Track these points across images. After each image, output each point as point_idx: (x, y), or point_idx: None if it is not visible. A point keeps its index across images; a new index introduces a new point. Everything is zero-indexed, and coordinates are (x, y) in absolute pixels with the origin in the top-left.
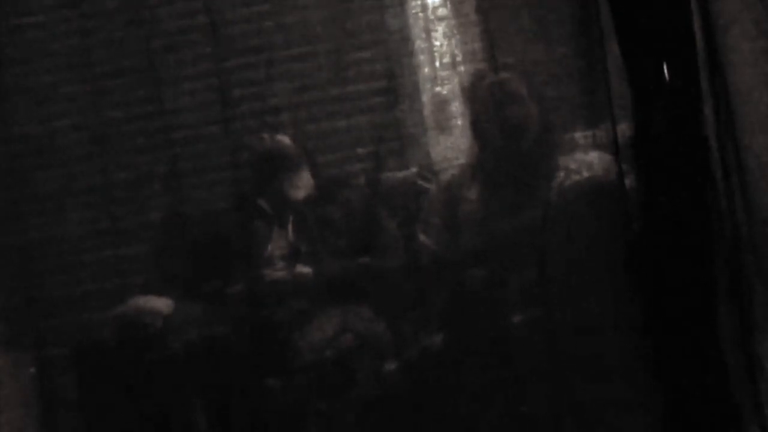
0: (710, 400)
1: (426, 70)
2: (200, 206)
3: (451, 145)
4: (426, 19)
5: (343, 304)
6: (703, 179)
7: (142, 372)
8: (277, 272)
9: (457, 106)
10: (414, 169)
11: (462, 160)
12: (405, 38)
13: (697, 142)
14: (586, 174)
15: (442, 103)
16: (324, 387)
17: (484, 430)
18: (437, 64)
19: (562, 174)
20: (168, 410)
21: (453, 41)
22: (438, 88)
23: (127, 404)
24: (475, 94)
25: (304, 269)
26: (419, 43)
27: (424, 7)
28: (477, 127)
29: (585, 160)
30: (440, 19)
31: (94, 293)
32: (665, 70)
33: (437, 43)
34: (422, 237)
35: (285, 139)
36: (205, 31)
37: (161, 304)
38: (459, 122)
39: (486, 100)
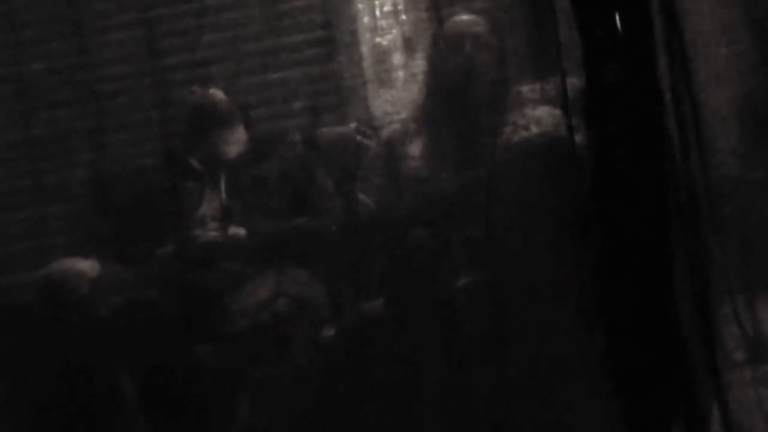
0: (665, 367)
1: (365, 19)
2: (127, 164)
3: (392, 99)
4: None
5: (278, 266)
6: (658, 135)
7: (66, 338)
8: (209, 233)
9: (398, 58)
10: (353, 125)
11: (403, 115)
12: None
13: (651, 96)
14: (534, 129)
15: (382, 54)
16: (258, 354)
17: (426, 400)
18: (377, 12)
19: (509, 129)
20: (94, 378)
21: None
22: (378, 39)
23: (51, 371)
24: (421, 42)
25: (237, 230)
26: None
27: None
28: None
29: (533, 115)
30: None
31: (15, 255)
32: (617, 19)
33: None
34: (361, 196)
35: (217, 93)
36: None
37: (86, 266)
38: (401, 74)
39: (434, 49)
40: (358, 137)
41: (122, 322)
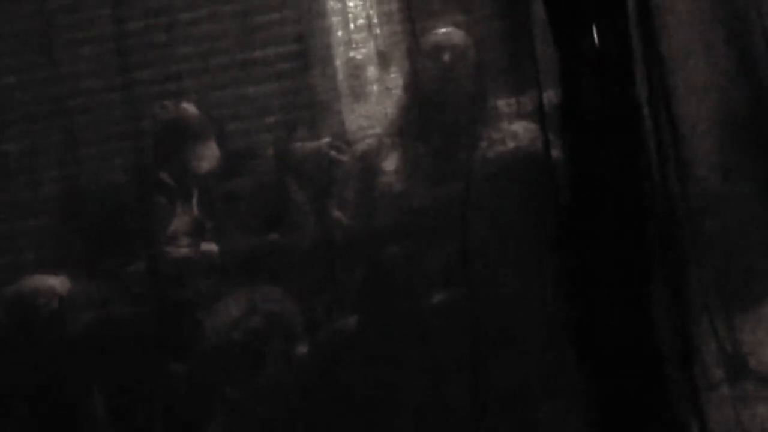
0: (642, 385)
1: (339, 33)
2: (98, 179)
3: (366, 113)
4: None
5: (251, 283)
6: (636, 150)
7: (36, 355)
8: (181, 249)
9: (372, 72)
10: (326, 139)
11: (378, 130)
12: None
13: (628, 111)
14: (510, 144)
15: (356, 68)
16: (231, 371)
17: (401, 418)
18: (351, 26)
19: (484, 144)
20: (64, 396)
21: (368, 2)
22: (352, 53)
23: (21, 388)
24: (396, 56)
25: (209, 246)
26: (332, 4)
27: None
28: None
29: (509, 130)
30: None
31: None
32: (594, 33)
33: (351, 4)
34: (335, 212)
35: (189, 108)
36: None
37: (57, 282)
38: (375, 88)
39: (411, 62)
40: (332, 152)
41: (93, 339)
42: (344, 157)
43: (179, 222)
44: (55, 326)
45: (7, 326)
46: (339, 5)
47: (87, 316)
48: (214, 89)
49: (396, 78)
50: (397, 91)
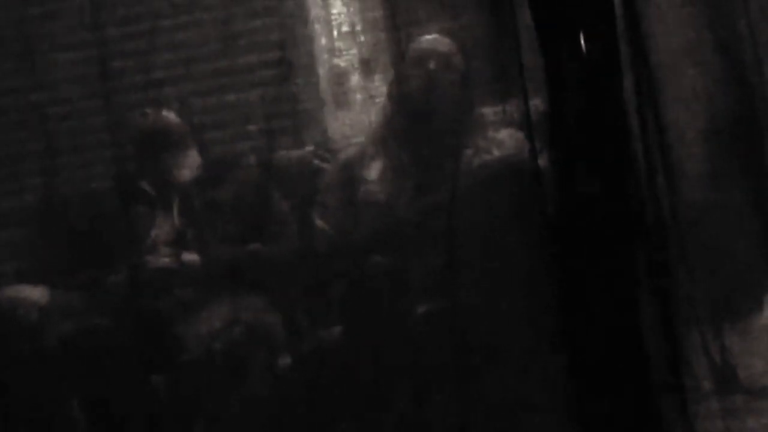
0: (631, 397)
1: (323, 40)
2: (78, 187)
3: (349, 122)
4: None
5: (233, 293)
6: (623, 159)
7: (14, 366)
8: (162, 259)
9: (356, 79)
10: (310, 148)
11: (362, 138)
12: (300, 5)
13: (616, 119)
14: (496, 153)
15: (340, 75)
16: (212, 383)
17: (384, 430)
18: (335, 33)
19: (470, 153)
20: (44, 409)
21: (352, 9)
22: (336, 60)
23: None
24: (380, 63)
25: (190, 256)
26: (315, 11)
27: None
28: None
29: (495, 138)
30: None
31: None
32: (581, 40)
33: (335, 11)
34: (319, 221)
35: (170, 115)
36: None
37: (36, 293)
38: (359, 96)
39: (396, 69)
40: (315, 161)
41: (72, 351)
42: (327, 166)
43: (160, 231)
44: (34, 337)
45: None
46: (322, 12)
47: (67, 327)
48: (196, 97)
49: (380, 86)
50: (382, 99)
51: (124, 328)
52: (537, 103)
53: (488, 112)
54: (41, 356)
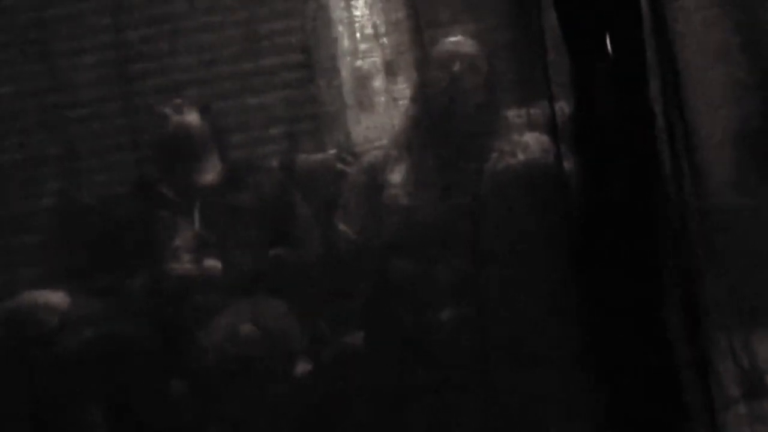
0: (656, 403)
1: (345, 42)
2: (98, 192)
3: (373, 125)
4: None
5: (254, 299)
6: (650, 163)
7: (35, 372)
8: (183, 265)
9: (379, 82)
10: (332, 151)
11: (385, 141)
12: (322, 7)
13: (642, 121)
14: (521, 156)
15: (363, 78)
16: (232, 389)
17: None
18: (358, 35)
19: (494, 156)
20: (64, 415)
21: (374, 11)
22: (359, 62)
23: (19, 406)
24: (403, 66)
25: (211, 262)
26: (338, 13)
27: None
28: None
29: (520, 141)
30: None
31: None
32: (608, 42)
33: (357, 13)
34: (341, 225)
35: (191, 119)
36: None
37: (56, 299)
38: (382, 99)
39: (420, 71)
40: (338, 164)
41: (93, 356)
42: (350, 169)
43: (181, 237)
44: (54, 342)
45: (4, 342)
46: (345, 14)
47: (86, 333)
48: (217, 100)
49: (404, 88)
50: (405, 102)
51: (145, 333)
52: (562, 106)
53: (513, 114)
54: (61, 361)
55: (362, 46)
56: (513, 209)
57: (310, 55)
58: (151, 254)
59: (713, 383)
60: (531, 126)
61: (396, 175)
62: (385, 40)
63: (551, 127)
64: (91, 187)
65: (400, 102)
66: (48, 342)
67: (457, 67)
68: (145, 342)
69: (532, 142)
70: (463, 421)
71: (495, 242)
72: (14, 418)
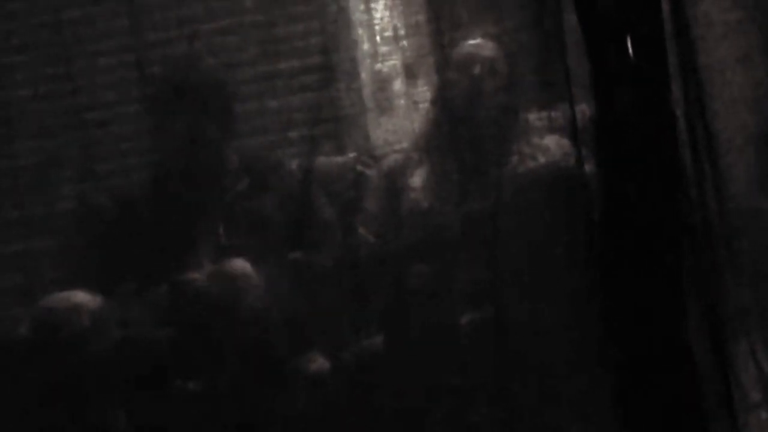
0: (680, 408)
1: (365, 45)
2: (117, 195)
3: (392, 128)
4: None
5: (274, 302)
6: (671, 166)
7: (59, 376)
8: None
9: (399, 85)
10: (352, 154)
11: (405, 144)
12: (342, 10)
13: (664, 125)
14: (541, 159)
15: (383, 81)
16: (253, 392)
17: None
18: (378, 38)
19: (515, 159)
20: (88, 417)
21: (395, 13)
22: (378, 65)
23: (46, 407)
24: (423, 69)
25: (234, 265)
26: (358, 16)
27: None
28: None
29: (540, 145)
30: None
31: (4, 290)
32: (629, 45)
33: (377, 16)
34: (361, 229)
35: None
36: (122, 1)
37: (83, 298)
38: (402, 102)
39: (440, 74)
40: (358, 167)
41: (115, 360)
42: (370, 172)
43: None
44: (77, 347)
45: (32, 344)
46: (365, 17)
47: (108, 337)
48: (236, 102)
49: (424, 91)
50: (425, 105)
51: (166, 336)
52: (583, 109)
53: (533, 118)
54: (89, 363)
55: (382, 49)
56: (533, 213)
57: (330, 57)
58: (171, 258)
59: (734, 388)
60: (551, 129)
61: (416, 179)
62: (405, 42)
63: (572, 130)
64: (111, 191)
65: (420, 105)
66: (77, 343)
67: (477, 70)
68: (164, 345)
69: (553, 145)
70: (482, 426)
71: (515, 246)
72: (41, 416)
